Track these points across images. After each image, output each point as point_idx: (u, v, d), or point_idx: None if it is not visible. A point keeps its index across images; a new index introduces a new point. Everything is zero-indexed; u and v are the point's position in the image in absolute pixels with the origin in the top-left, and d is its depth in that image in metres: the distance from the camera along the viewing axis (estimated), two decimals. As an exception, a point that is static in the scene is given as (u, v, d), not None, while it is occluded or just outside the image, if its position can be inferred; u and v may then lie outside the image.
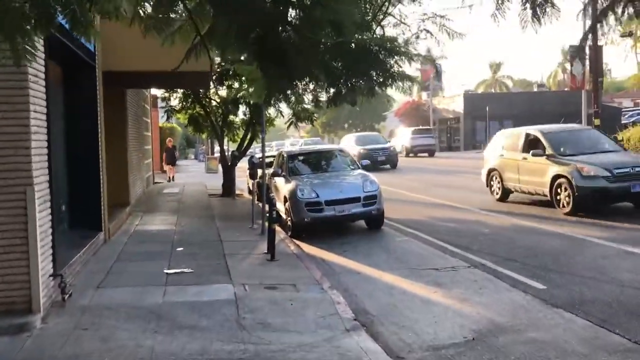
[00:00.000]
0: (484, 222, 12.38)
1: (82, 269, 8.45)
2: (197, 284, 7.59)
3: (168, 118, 18.97)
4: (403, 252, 10.15)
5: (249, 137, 18.85)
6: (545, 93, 58.21)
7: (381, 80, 9.37)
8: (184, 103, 18.71)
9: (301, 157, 14.12)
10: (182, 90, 18.57)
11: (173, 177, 25.75)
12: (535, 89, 65.58)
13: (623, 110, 49.24)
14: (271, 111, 18.88)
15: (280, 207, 12.82)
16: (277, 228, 10.42)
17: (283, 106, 18.65)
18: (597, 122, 31.38)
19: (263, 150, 11.80)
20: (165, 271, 8.27)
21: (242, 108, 19.63)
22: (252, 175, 12.24)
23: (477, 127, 51.54)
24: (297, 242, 11.40)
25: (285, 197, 12.36)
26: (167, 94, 18.92)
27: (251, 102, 18.15)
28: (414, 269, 8.95)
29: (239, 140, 19.63)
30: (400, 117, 60.75)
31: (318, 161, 13.96)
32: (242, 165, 20.78)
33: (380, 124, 71.53)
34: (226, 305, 6.66)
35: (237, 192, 19.18)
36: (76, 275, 7.98)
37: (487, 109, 48.22)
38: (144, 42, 10.90)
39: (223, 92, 19.60)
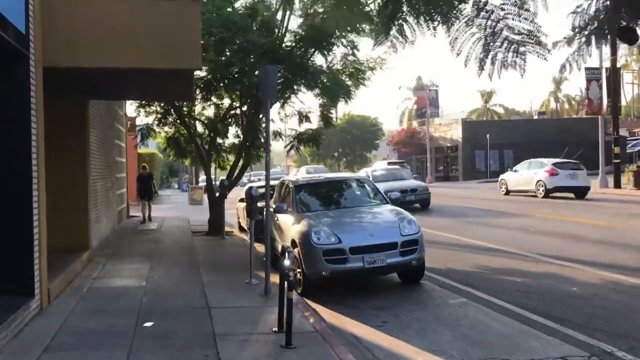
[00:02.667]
0: (562, 276, 9.28)
1: (-14, 369, 5.24)
2: (169, 410, 4.41)
3: (142, 139, 15.76)
4: (472, 327, 7.03)
5: (241, 163, 15.77)
6: (546, 121, 56.00)
7: None
8: (163, 120, 15.55)
9: (311, 188, 11.02)
10: (159, 109, 15.46)
11: (149, 215, 19.56)
12: (535, 117, 63.49)
13: (627, 139, 47.28)
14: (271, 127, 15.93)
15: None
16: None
17: (282, 126, 15.87)
18: (616, 149, 28.82)
19: (267, 178, 8.66)
20: (119, 376, 5.07)
21: (232, 130, 16.67)
22: (252, 213, 9.06)
23: (476, 156, 48.92)
24: (312, 303, 8.30)
25: (293, 242, 9.25)
26: (140, 110, 15.72)
27: (244, 121, 15.20)
28: (504, 360, 5.86)
29: (228, 167, 16.54)
30: (394, 145, 58.07)
31: (334, 193, 10.86)
32: (232, 197, 17.66)
33: (372, 153, 68.82)
34: None
35: (227, 228, 15.99)
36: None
37: (488, 137, 45.66)
38: (106, 25, 7.90)
39: (209, 111, 16.64)
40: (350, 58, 14.26)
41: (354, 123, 65.26)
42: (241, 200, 16.41)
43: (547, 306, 7.64)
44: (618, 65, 30.89)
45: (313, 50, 13.14)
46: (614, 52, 28.78)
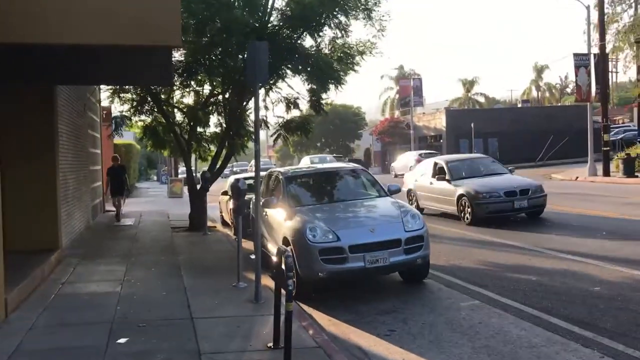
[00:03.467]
0: (579, 273, 8.52)
1: None
2: None
3: (117, 129, 14.67)
4: (492, 335, 6.21)
5: (223, 153, 14.79)
6: (529, 109, 55.68)
7: None
8: (139, 108, 14.47)
9: (303, 180, 10.14)
10: (135, 96, 14.37)
11: (119, 213, 17.29)
12: (519, 105, 63.20)
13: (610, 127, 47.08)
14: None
15: (272, 248, 8.97)
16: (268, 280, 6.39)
17: (267, 114, 14.90)
18: (606, 137, 28.31)
19: (257, 169, 7.71)
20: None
21: (213, 119, 15.67)
22: (239, 209, 8.13)
23: (460, 145, 48.34)
24: (307, 308, 7.47)
25: (285, 239, 8.37)
26: (114, 97, 14.62)
27: (227, 109, 14.23)
28: (539, 378, 5.05)
29: (210, 158, 15.56)
30: (377, 135, 57.29)
31: (328, 185, 10.00)
32: (214, 189, 16.67)
33: (355, 143, 67.98)
34: None
35: (209, 223, 15.03)
36: None
37: (473, 125, 45.06)
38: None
39: (189, 98, 15.63)
40: (339, 41, 13.33)
41: (336, 112, 64.24)
42: (224, 193, 15.45)
43: (569, 308, 6.85)
44: (606, 50, 30.20)
45: (302, 30, 12.18)
46: (602, 37, 28.17)
